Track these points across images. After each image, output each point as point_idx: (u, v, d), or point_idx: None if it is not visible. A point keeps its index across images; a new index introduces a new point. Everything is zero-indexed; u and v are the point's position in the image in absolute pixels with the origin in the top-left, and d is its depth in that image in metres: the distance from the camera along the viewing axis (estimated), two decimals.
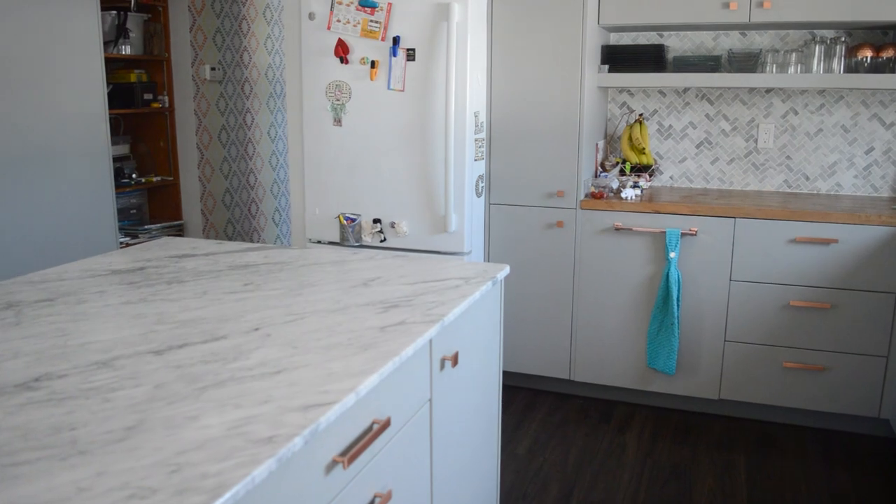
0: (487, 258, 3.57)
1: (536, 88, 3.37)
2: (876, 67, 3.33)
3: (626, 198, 3.38)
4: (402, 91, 3.31)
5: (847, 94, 3.59)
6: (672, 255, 3.25)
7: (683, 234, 3.25)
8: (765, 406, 3.37)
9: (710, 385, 3.37)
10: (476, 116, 3.35)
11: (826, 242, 3.10)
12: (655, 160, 3.83)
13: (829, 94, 3.61)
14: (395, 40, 3.30)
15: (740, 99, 3.72)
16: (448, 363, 1.68)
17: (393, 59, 3.33)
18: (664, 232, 3.27)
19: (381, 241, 3.44)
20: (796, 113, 3.66)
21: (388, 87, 3.34)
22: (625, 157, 3.74)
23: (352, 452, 1.25)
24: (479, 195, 3.46)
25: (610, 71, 3.57)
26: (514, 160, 3.46)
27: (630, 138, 3.72)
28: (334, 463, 1.23)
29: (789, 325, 3.21)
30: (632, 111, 3.86)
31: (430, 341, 1.60)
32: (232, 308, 1.70)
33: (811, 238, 3.11)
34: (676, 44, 3.75)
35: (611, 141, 3.93)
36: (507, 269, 2.03)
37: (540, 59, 3.35)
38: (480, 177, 3.46)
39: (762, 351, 3.27)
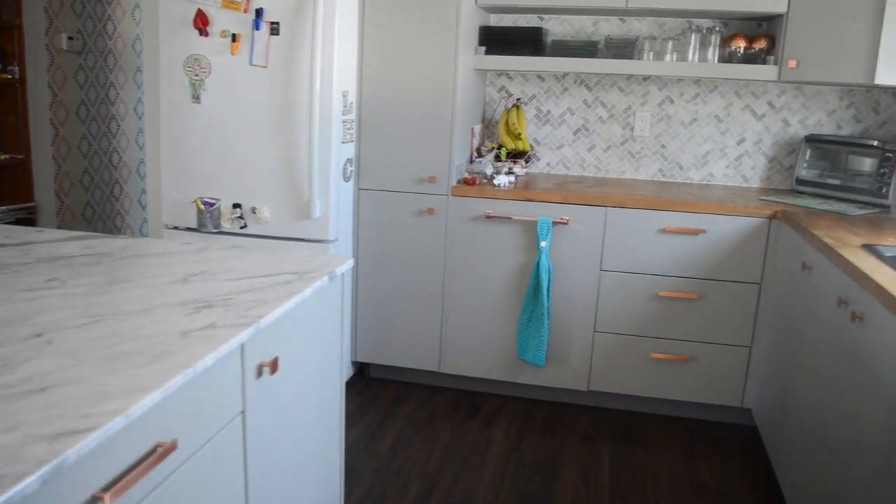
0: (356, 246, 3.41)
1: (410, 69, 3.22)
2: (748, 58, 3.33)
3: (499, 185, 3.28)
4: (265, 67, 3.11)
5: (721, 83, 3.59)
6: (543, 244, 3.17)
7: (555, 223, 3.18)
8: (632, 397, 3.35)
9: (580, 376, 3.32)
10: (345, 96, 3.18)
11: (694, 232, 3.08)
12: (532, 146, 3.75)
13: (703, 84, 3.60)
14: (259, 12, 3.09)
15: (618, 86, 3.67)
16: (266, 370, 1.52)
17: (255, 32, 3.11)
18: (536, 220, 3.19)
19: (242, 228, 3.23)
20: (672, 101, 3.64)
21: (251, 63, 3.13)
22: (501, 142, 3.63)
23: (118, 486, 1.07)
24: (347, 180, 3.29)
25: (487, 53, 3.45)
26: (386, 143, 3.31)
27: (507, 123, 3.62)
28: (94, 500, 1.05)
29: (658, 315, 3.19)
30: (510, 95, 3.76)
31: (242, 346, 1.43)
32: (19, 309, 1.49)
33: (680, 228, 3.09)
34: (556, 28, 3.66)
35: (488, 125, 3.83)
36: (349, 263, 1.88)
37: (414, 38, 3.20)
38: (349, 160, 3.29)
39: (631, 342, 3.24)
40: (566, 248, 3.21)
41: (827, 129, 3.55)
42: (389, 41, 3.23)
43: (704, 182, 3.69)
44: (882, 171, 3.11)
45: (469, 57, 3.36)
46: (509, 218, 3.22)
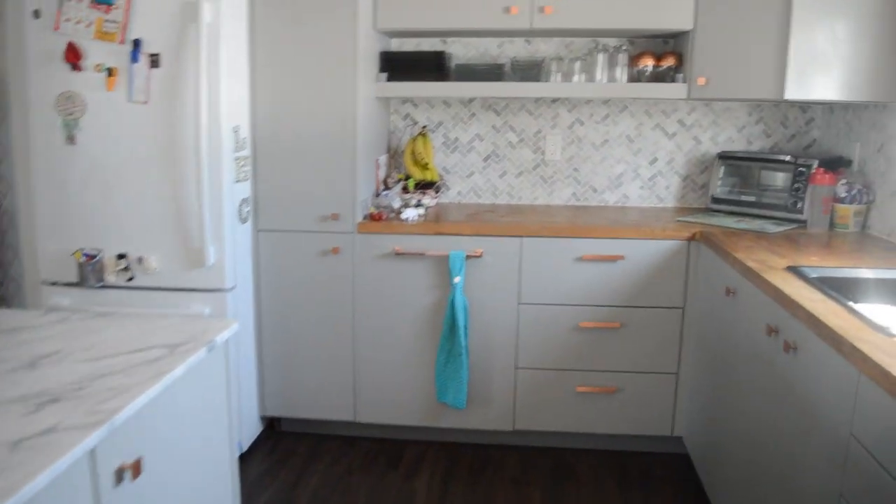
0: (257, 292, 3.16)
1: (307, 100, 3.01)
2: (657, 76, 3.24)
3: (408, 219, 3.09)
4: (146, 103, 2.84)
5: (631, 103, 3.49)
6: (457, 279, 2.98)
7: (468, 257, 3.00)
8: (561, 433, 3.19)
9: (504, 416, 3.14)
10: (236, 132, 2.94)
11: (613, 259, 2.95)
12: (441, 175, 3.58)
13: (613, 104, 3.50)
14: (136, 44, 2.83)
15: (526, 109, 3.54)
16: (127, 474, 1.27)
17: (134, 65, 2.85)
18: (447, 255, 3.00)
19: (129, 281, 2.94)
20: (582, 123, 3.52)
21: (130, 99, 2.87)
22: (408, 173, 3.45)
23: None
24: (243, 221, 3.04)
25: (389, 79, 3.26)
26: (284, 181, 3.07)
27: (413, 153, 3.43)
28: None
29: (581, 347, 3.04)
30: (415, 123, 3.58)
31: (93, 452, 1.19)
32: None
33: (598, 255, 2.95)
34: (460, 51, 3.51)
35: (394, 155, 3.64)
36: (232, 328, 1.64)
37: (310, 67, 2.98)
38: (245, 200, 3.05)
39: (555, 376, 3.09)
40: (481, 282, 3.04)
41: (738, 146, 3.49)
42: (283, 71, 3.00)
43: (619, 204, 3.58)
44: (796, 185, 3.04)
45: (370, 84, 3.17)
46: (420, 254, 3.03)
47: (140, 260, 2.92)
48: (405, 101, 3.59)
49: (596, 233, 2.95)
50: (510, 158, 3.59)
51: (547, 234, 2.97)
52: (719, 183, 3.35)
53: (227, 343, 1.66)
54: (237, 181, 2.98)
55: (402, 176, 3.46)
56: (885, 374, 1.40)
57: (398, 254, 3.04)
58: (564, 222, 3.08)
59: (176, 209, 2.86)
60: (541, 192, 3.61)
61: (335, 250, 3.09)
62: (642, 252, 2.94)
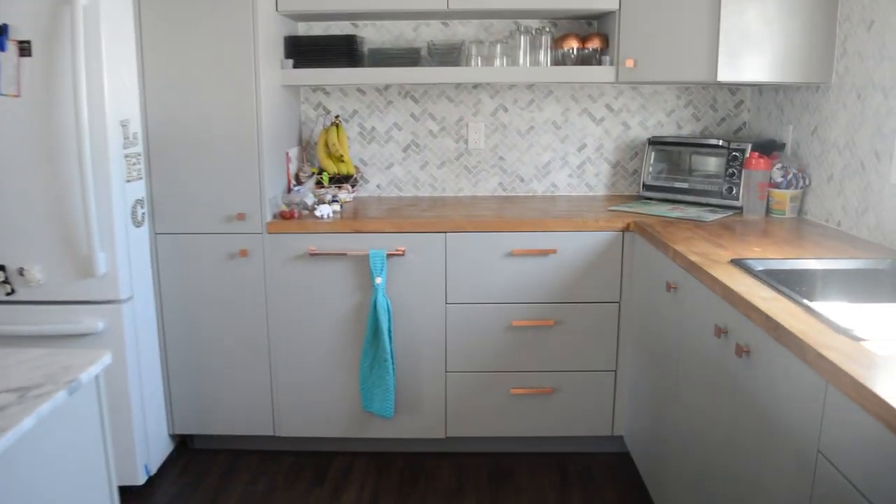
0: (159, 302, 2.86)
1: (204, 89, 2.72)
2: (582, 59, 3.07)
3: (322, 216, 2.84)
4: (18, 96, 2.51)
5: (556, 88, 3.32)
6: (378, 280, 2.75)
7: (390, 256, 2.77)
8: (496, 438, 3.00)
9: (435, 423, 2.93)
10: (125, 126, 2.63)
11: (544, 253, 2.77)
12: (358, 168, 3.33)
13: (538, 89, 3.31)
14: (3, 30, 2.49)
15: (447, 96, 3.32)
16: None
17: (1, 54, 2.51)
18: (367, 254, 2.77)
19: (9, 295, 2.62)
20: (506, 110, 3.33)
21: None
22: (322, 166, 3.19)
23: None
24: (138, 224, 2.74)
25: (296, 66, 3.00)
26: (183, 179, 2.78)
27: (326, 145, 3.17)
28: None
29: (513, 347, 2.85)
30: (327, 112, 3.32)
31: None
32: None
33: (528, 250, 2.76)
34: (373, 35, 3.26)
35: (307, 148, 3.37)
36: (103, 361, 1.38)
37: (206, 54, 2.70)
38: (139, 201, 2.75)
39: (487, 379, 2.89)
40: (405, 282, 2.81)
41: (668, 130, 3.35)
42: (177, 59, 2.71)
43: (548, 194, 3.40)
44: (730, 170, 2.92)
45: (275, 72, 2.90)
46: (337, 254, 2.78)
47: (21, 271, 2.60)
48: (316, 89, 3.33)
49: (525, 226, 2.76)
50: (431, 148, 3.37)
51: (473, 229, 2.77)
52: (650, 169, 3.21)
53: (99, 378, 1.38)
54: (129, 180, 2.68)
55: (315, 170, 3.20)
56: (856, 385, 1.23)
57: (313, 255, 2.79)
58: (491, 215, 2.87)
59: (60, 214, 2.54)
60: (465, 182, 3.40)
61: (243, 253, 2.82)
62: (575, 245, 2.77)
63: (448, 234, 2.78)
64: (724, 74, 2.68)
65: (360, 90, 3.33)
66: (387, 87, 3.32)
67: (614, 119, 3.34)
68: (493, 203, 3.19)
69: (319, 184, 3.15)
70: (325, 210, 2.86)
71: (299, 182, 3.18)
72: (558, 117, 3.34)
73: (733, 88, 3.31)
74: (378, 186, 3.42)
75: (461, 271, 2.80)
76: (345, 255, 2.79)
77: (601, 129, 3.35)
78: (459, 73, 2.97)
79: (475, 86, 3.31)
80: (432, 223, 2.77)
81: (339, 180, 3.19)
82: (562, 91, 3.32)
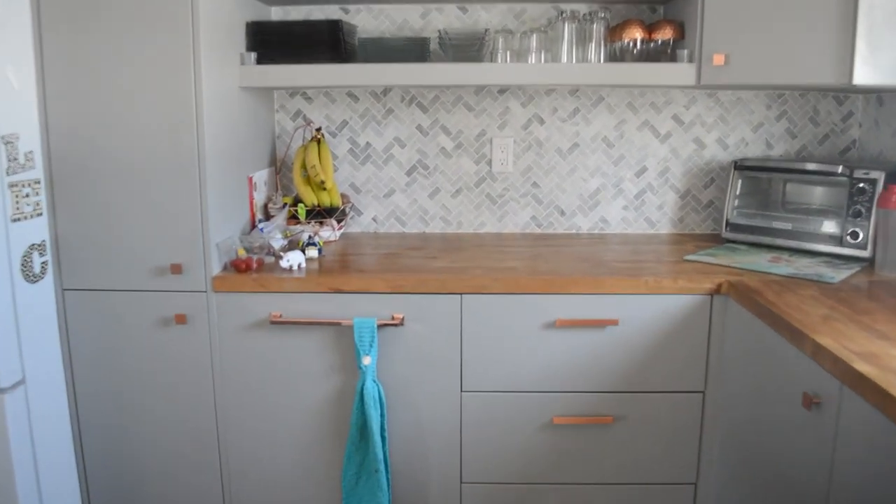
0: (71, 383, 2.06)
1: (126, 95, 1.94)
2: (648, 55, 2.27)
3: (291, 267, 2.04)
4: None
5: (609, 93, 2.51)
6: (367, 360, 1.95)
7: (383, 326, 1.96)
8: None
9: None
10: (10, 144, 1.84)
11: (601, 325, 1.95)
12: (346, 197, 2.53)
13: (585, 95, 2.51)
14: None
15: (465, 103, 2.52)
16: None
17: None
18: (352, 324, 1.96)
19: None
20: (542, 122, 2.52)
21: None
22: (299, 195, 2.39)
23: None
24: (34, 279, 1.94)
25: (262, 61, 2.20)
26: (99, 215, 2.01)
27: (304, 166, 2.38)
28: None
29: (555, 452, 2.05)
30: (308, 123, 2.52)
31: None
32: None
33: (578, 320, 1.96)
34: (370, 23, 2.48)
35: (283, 170, 2.58)
36: None
37: (129, 48, 1.91)
38: (36, 247, 1.95)
39: (517, 494, 2.08)
40: (404, 362, 2.01)
41: (755, 150, 2.54)
42: (88, 54, 1.93)
43: (596, 231, 2.59)
44: (854, 207, 2.09)
45: (230, 69, 2.11)
46: (309, 322, 1.98)
47: None
48: (294, 93, 2.54)
49: (574, 286, 1.95)
50: (444, 171, 2.56)
51: (499, 290, 1.96)
52: (735, 203, 2.39)
53: None
54: (17, 219, 1.89)
55: (289, 199, 2.40)
56: None
57: (275, 322, 1.98)
58: (523, 267, 2.07)
59: None
60: (488, 215, 2.59)
61: (180, 318, 2.02)
62: (644, 313, 1.96)
63: (464, 296, 1.97)
64: (864, 75, 1.87)
65: (351, 95, 2.53)
66: (386, 90, 2.52)
67: (684, 135, 2.52)
68: (525, 245, 2.38)
69: (294, 218, 2.35)
70: (293, 259, 2.06)
71: (268, 217, 2.38)
72: (611, 132, 2.53)
73: (840, 96, 2.49)
74: (374, 220, 2.61)
75: (483, 347, 1.99)
76: (320, 324, 1.98)
77: (667, 148, 2.53)
78: (481, 73, 2.17)
79: (502, 90, 2.51)
80: (442, 280, 1.96)
81: (321, 214, 2.39)
82: (616, 97, 2.51)
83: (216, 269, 2.03)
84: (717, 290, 1.96)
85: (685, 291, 1.96)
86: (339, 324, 1.99)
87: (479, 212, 2.60)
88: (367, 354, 1.97)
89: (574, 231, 2.61)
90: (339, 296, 2.00)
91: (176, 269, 2.01)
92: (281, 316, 2.01)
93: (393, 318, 1.99)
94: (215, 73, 2.01)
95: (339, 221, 2.43)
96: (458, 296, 1.98)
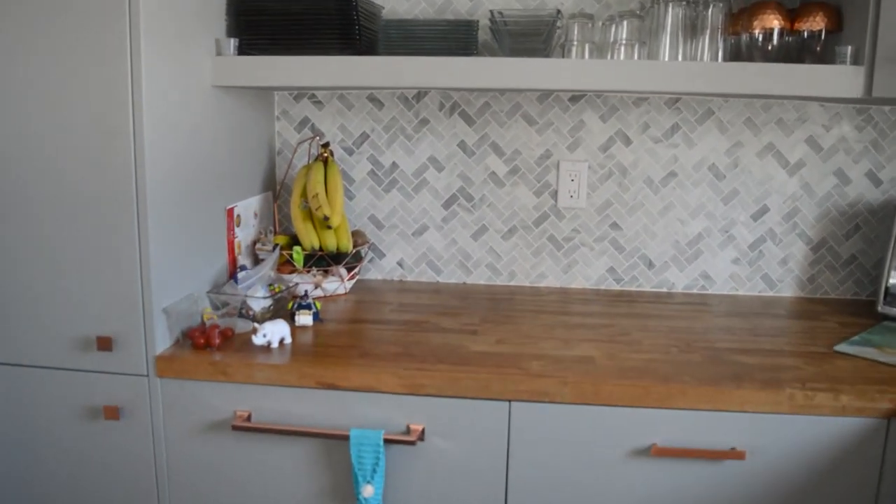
0: None
1: (37, 103, 1.32)
2: (787, 53, 1.58)
3: (268, 344, 1.42)
4: None
5: (721, 106, 1.83)
6: (368, 491, 1.32)
7: (393, 442, 1.32)
8: None
9: None
10: None
11: (719, 458, 1.28)
12: (363, 236, 1.89)
13: (688, 107, 1.84)
14: None
15: (524, 113, 1.86)
16: None
17: None
18: (347, 435, 1.32)
19: None
20: (628, 142, 1.85)
21: None
22: (297, 234, 1.76)
23: None
24: None
25: (247, 50, 1.59)
26: (1, 267, 1.40)
27: (304, 194, 1.75)
28: None
29: None
30: (313, 137, 1.89)
31: None
32: None
33: (686, 450, 1.29)
34: (398, 2, 1.83)
35: (281, 194, 1.96)
36: None
37: (43, 34, 1.30)
38: None
39: None
40: (422, 497, 1.37)
41: None
42: None
43: (695, 291, 1.92)
44: None
45: (198, 62, 1.50)
46: (288, 431, 1.36)
47: None
48: (299, 94, 1.92)
49: (680, 398, 1.28)
50: (493, 204, 1.92)
51: (568, 399, 1.30)
52: None
53: None
54: None
55: (283, 240, 1.78)
56: None
57: (240, 428, 1.36)
58: (602, 357, 1.42)
59: None
60: (550, 265, 1.94)
61: (110, 412, 1.41)
62: (782, 441, 1.30)
63: (515, 403, 1.32)
64: None
65: (374, 99, 1.90)
66: (420, 94, 1.88)
67: (821, 165, 1.84)
68: (599, 310, 1.73)
69: (290, 265, 1.73)
70: (273, 332, 1.44)
71: (258, 261, 1.77)
72: (721, 158, 1.85)
73: None
74: (400, 265, 1.98)
75: (539, 481, 1.36)
76: (303, 434, 1.35)
77: (797, 182, 1.85)
78: (549, 72, 1.52)
79: (575, 97, 1.85)
80: (482, 378, 1.33)
81: (326, 260, 1.76)
82: (730, 111, 1.83)
83: (163, 345, 1.42)
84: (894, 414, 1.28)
85: (850, 413, 1.28)
86: (330, 435, 1.35)
87: (539, 259, 1.95)
88: (369, 482, 1.33)
89: (665, 290, 1.94)
90: (332, 394, 1.37)
91: (104, 343, 1.40)
92: (249, 418, 1.39)
93: (408, 431, 1.36)
94: (169, 66, 1.40)
95: (349, 270, 1.80)
96: (506, 403, 1.34)
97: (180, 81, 1.45)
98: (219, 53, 1.59)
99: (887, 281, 1.71)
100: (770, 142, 1.86)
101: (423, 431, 1.36)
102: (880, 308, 1.71)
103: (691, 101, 1.86)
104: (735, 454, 1.30)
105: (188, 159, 1.49)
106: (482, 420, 1.35)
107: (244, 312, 1.58)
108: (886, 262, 1.70)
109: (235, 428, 1.37)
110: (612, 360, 1.41)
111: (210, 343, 1.44)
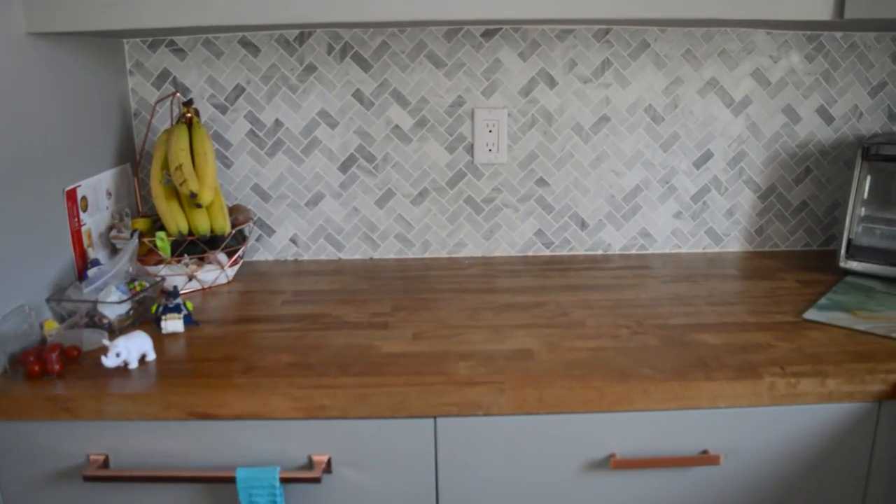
0: None
1: None
2: None
3: (125, 364, 1.10)
4: None
5: (658, 37, 1.58)
6: None
7: (292, 481, 1.04)
8: None
9: None
10: None
11: (689, 465, 1.05)
12: (243, 212, 1.57)
13: (620, 39, 1.60)
14: None
15: (429, 54, 1.57)
16: None
17: None
18: (233, 478, 1.03)
19: None
20: (553, 82, 1.59)
21: None
22: (161, 216, 1.42)
23: None
24: None
25: None
26: None
27: (164, 167, 1.41)
28: None
29: None
30: (173, 94, 1.54)
31: None
32: None
33: (650, 459, 1.06)
34: None
35: (142, 166, 1.61)
36: None
37: None
38: None
39: None
40: None
41: (873, 125, 1.64)
42: None
43: (633, 252, 1.69)
44: None
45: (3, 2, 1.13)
46: (155, 478, 1.05)
47: None
48: (154, 42, 1.56)
49: (641, 397, 1.05)
50: (400, 163, 1.63)
51: (506, 410, 1.04)
52: (863, 212, 1.49)
53: None
54: None
55: (143, 224, 1.44)
56: None
57: (91, 479, 1.04)
58: (541, 349, 1.17)
59: None
60: (469, 232, 1.67)
61: None
62: (761, 439, 1.09)
63: (441, 419, 1.06)
64: None
65: (247, 43, 1.56)
66: (303, 34, 1.55)
67: (769, 102, 1.62)
68: (531, 281, 1.49)
69: (157, 256, 1.40)
70: (127, 350, 1.13)
71: (115, 252, 1.43)
72: (659, 98, 1.60)
73: None
74: (294, 242, 1.67)
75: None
76: (175, 480, 1.05)
77: (742, 122, 1.62)
78: (456, 1, 1.21)
79: (489, 31, 1.56)
80: (399, 391, 1.07)
81: (198, 245, 1.44)
82: (668, 43, 1.58)
83: None
84: (890, 396, 1.07)
85: (837, 399, 1.07)
86: (212, 479, 1.06)
87: (456, 226, 1.68)
88: None
89: (601, 252, 1.70)
90: (210, 424, 1.07)
91: None
92: (105, 463, 1.08)
93: (311, 465, 1.07)
94: None
95: (230, 255, 1.48)
96: (430, 420, 1.07)
97: None
98: None
99: (850, 232, 1.50)
100: (713, 77, 1.62)
101: (328, 463, 1.09)
102: (842, 263, 1.52)
103: (623, 33, 1.59)
104: (708, 459, 1.08)
105: None
106: (402, 443, 1.08)
107: (97, 321, 1.26)
108: (848, 212, 1.50)
109: (89, 478, 1.06)
110: (554, 352, 1.16)
111: (47, 370, 1.11)
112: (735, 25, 1.53)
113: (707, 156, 1.67)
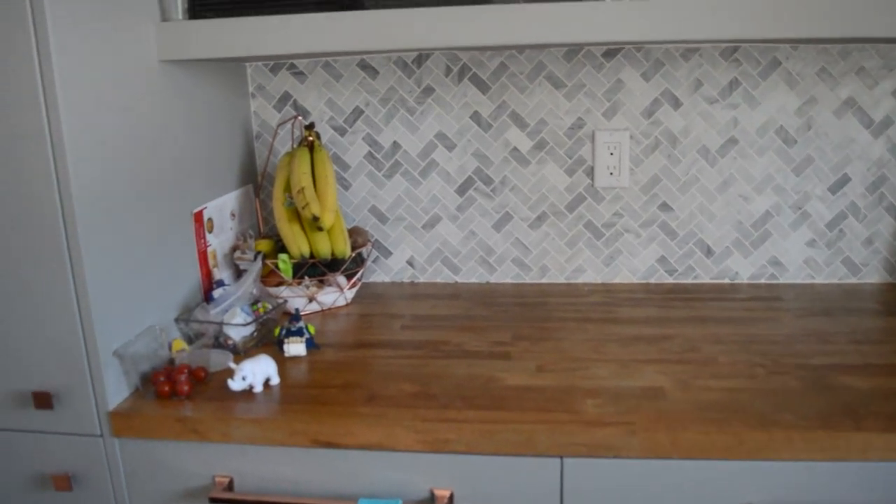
0: None
1: None
2: None
3: (250, 388, 1.11)
4: None
5: (790, 54, 1.50)
6: None
7: None
8: None
9: None
10: None
11: None
12: (362, 234, 1.57)
13: (748, 57, 1.51)
14: None
15: (549, 74, 1.53)
16: None
17: None
18: None
19: None
20: (678, 103, 1.52)
21: None
22: (283, 239, 1.44)
23: None
24: None
25: (201, 13, 1.25)
26: None
27: (287, 189, 1.43)
28: None
29: None
30: (295, 117, 1.56)
31: None
32: None
33: None
34: None
35: (264, 187, 1.64)
36: None
37: None
38: None
39: None
40: None
41: None
42: None
43: (762, 282, 1.61)
44: None
45: (137, 31, 1.17)
46: (283, 503, 1.05)
47: None
48: (276, 65, 1.59)
49: (786, 446, 0.99)
50: (517, 186, 1.60)
51: (637, 453, 0.99)
52: None
53: None
54: None
55: (266, 245, 1.46)
56: None
57: (217, 501, 1.05)
58: (673, 388, 1.13)
59: None
60: (588, 257, 1.62)
61: (61, 482, 1.12)
62: None
63: (568, 459, 1.02)
64: None
65: (365, 66, 1.57)
66: (421, 56, 1.55)
67: None
68: (654, 311, 1.44)
69: (278, 277, 1.42)
70: (252, 374, 1.14)
71: (238, 272, 1.46)
72: (790, 118, 1.52)
73: None
74: (410, 264, 1.67)
75: None
76: (297, 502, 1.06)
77: (883, 144, 1.52)
78: (577, 20, 1.18)
79: (610, 51, 1.51)
80: (525, 428, 1.03)
81: (319, 268, 1.45)
82: (800, 61, 1.50)
83: (118, 396, 1.12)
84: None
85: None
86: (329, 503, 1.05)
87: (575, 251, 1.63)
88: None
89: (727, 281, 1.62)
90: (334, 453, 1.06)
91: (42, 400, 1.10)
92: (230, 485, 1.09)
93: (433, 499, 1.05)
94: (93, 40, 1.07)
95: (349, 277, 1.48)
96: (557, 460, 1.03)
97: (112, 59, 1.12)
98: (164, 19, 1.26)
99: None
100: (850, 96, 1.53)
101: (451, 498, 1.06)
102: None
103: (752, 51, 1.52)
104: None
105: (133, 158, 1.17)
106: (527, 482, 1.05)
107: (222, 342, 1.28)
108: None
109: (214, 500, 1.07)
110: (687, 392, 1.10)
111: (177, 391, 1.13)
112: (876, 41, 1.44)
113: (844, 180, 1.57)
